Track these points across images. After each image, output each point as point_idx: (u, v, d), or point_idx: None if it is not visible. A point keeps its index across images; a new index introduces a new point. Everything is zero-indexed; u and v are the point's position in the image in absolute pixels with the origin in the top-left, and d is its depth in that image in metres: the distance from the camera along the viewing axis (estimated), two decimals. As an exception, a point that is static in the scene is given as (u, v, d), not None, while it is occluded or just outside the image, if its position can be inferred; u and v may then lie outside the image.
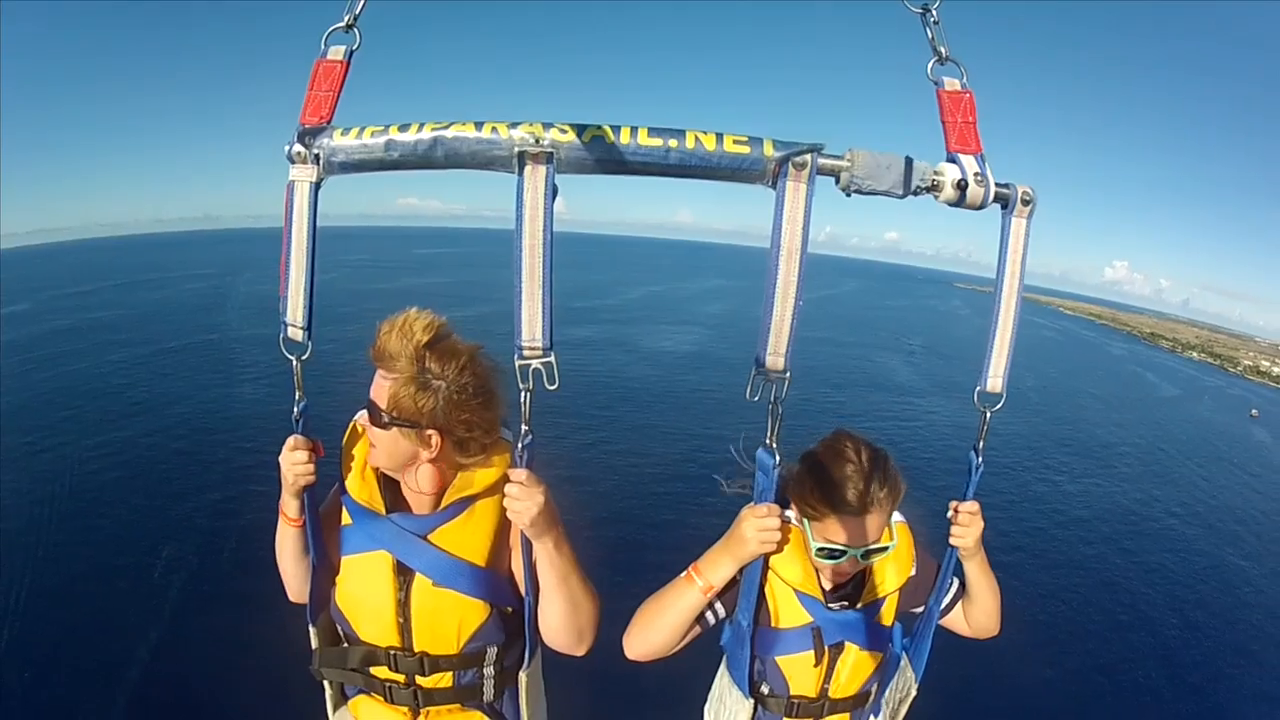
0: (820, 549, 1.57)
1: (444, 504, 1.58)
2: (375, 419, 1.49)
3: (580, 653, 1.60)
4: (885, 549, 1.61)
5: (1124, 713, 11.25)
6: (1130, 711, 11.31)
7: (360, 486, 1.61)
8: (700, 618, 1.63)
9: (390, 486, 1.63)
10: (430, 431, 1.47)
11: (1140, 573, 16.23)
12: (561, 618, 1.54)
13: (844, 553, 1.56)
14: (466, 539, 1.58)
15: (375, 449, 1.55)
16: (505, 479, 1.50)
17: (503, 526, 1.59)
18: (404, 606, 1.59)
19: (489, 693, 1.70)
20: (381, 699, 1.70)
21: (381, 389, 1.47)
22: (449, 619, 1.59)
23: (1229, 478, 26.19)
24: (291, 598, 1.73)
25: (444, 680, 1.66)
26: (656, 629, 1.61)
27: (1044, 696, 11.10)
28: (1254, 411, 43.24)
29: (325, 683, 1.79)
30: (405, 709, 1.70)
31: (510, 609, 1.65)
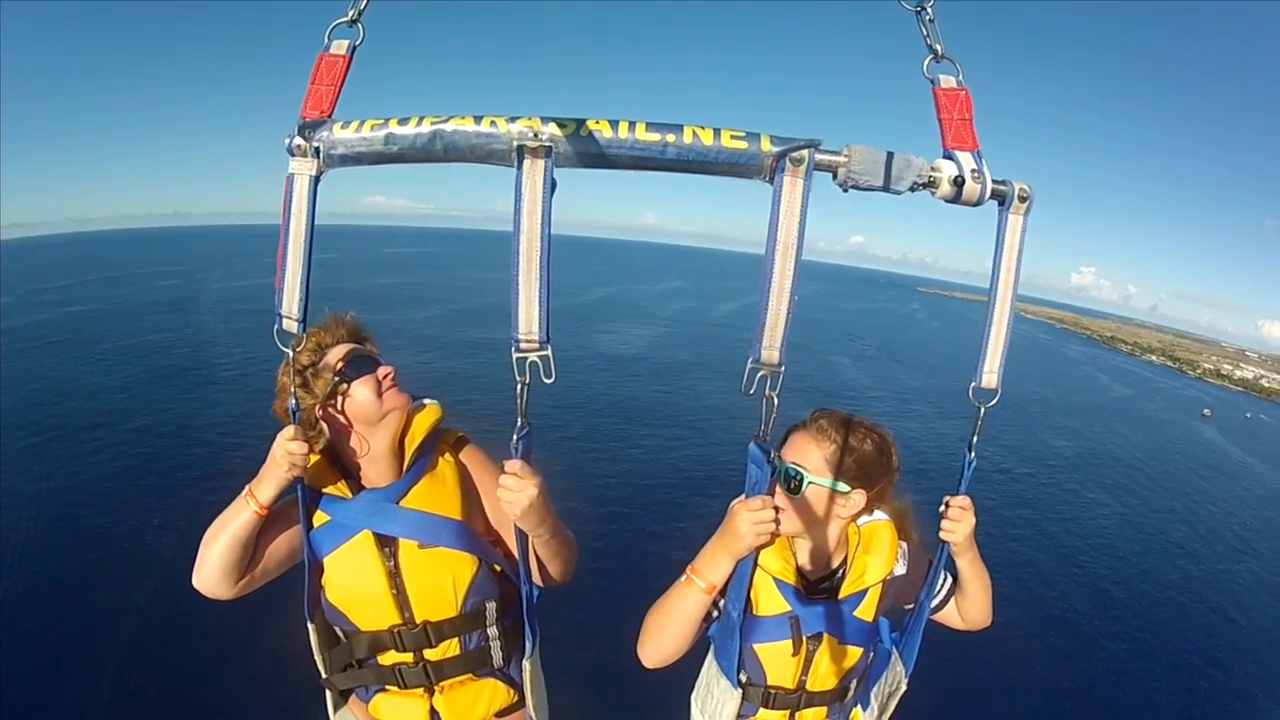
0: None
1: (406, 467, 1.67)
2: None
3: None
4: (808, 479, 1.57)
5: (1110, 703, 11.58)
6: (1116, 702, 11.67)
7: (324, 478, 1.65)
8: (705, 615, 1.63)
9: (347, 475, 1.68)
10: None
11: (1067, 568, 16.65)
12: (554, 576, 1.73)
13: (774, 468, 1.47)
14: (437, 496, 1.66)
15: (367, 409, 1.64)
16: (448, 434, 1.77)
17: (465, 479, 1.72)
18: (395, 578, 1.62)
19: (498, 657, 1.73)
20: (395, 688, 1.70)
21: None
22: (442, 577, 1.63)
23: (1176, 470, 26.94)
24: (201, 582, 1.54)
25: (451, 648, 1.68)
26: (668, 636, 1.60)
27: (1032, 690, 11.34)
28: (1206, 411, 44.67)
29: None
30: (420, 690, 1.70)
31: (497, 566, 1.72)
